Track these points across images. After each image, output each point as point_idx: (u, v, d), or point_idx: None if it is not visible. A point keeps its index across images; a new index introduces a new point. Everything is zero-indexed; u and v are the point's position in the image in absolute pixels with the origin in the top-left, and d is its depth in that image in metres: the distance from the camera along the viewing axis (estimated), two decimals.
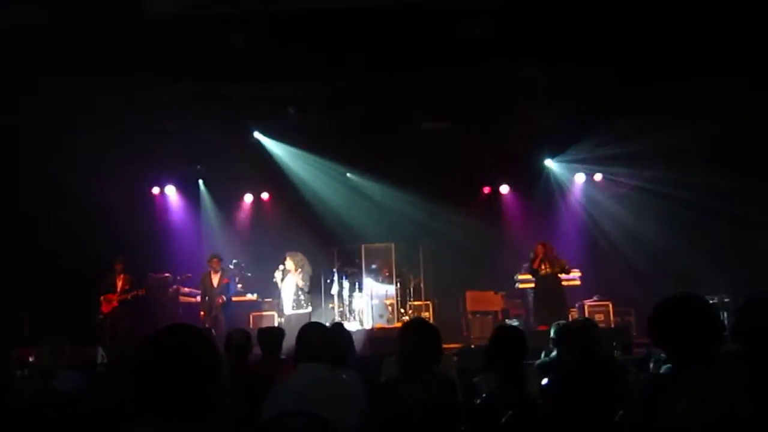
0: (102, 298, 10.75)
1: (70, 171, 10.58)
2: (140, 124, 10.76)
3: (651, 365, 5.21)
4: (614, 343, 6.85)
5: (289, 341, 4.98)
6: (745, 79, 8.82)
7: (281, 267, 10.14)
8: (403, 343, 3.86)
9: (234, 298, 11.40)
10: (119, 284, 10.76)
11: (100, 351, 8.41)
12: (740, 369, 3.21)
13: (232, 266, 11.82)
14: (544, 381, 4.39)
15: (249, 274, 12.36)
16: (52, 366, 5.18)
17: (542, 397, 4.03)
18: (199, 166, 13.24)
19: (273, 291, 12.52)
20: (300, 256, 10.15)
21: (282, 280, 10.10)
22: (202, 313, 11.01)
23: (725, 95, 9.20)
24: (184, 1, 7.84)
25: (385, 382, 3.85)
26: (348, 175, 13.27)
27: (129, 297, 10.65)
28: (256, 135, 12.09)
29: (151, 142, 11.31)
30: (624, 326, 10.80)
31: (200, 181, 13.54)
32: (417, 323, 4.14)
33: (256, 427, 3.54)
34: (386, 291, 11.89)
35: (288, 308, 9.99)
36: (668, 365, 3.49)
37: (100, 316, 10.68)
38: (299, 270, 9.97)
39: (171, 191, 13.62)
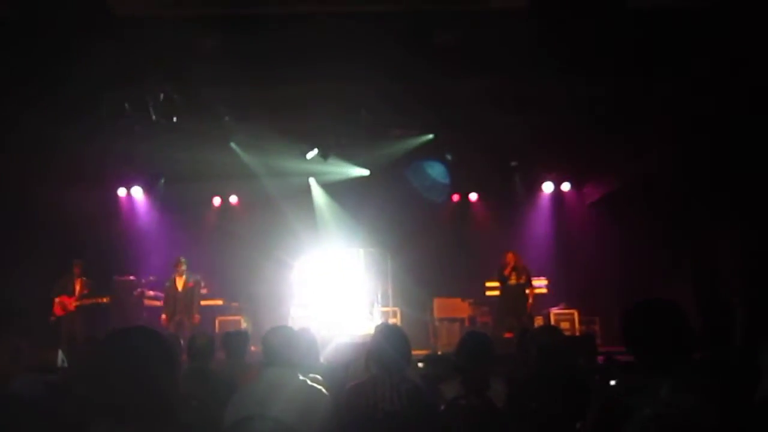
0: (56, 300, 10.54)
1: (33, 170, 10.42)
2: (106, 123, 10.63)
3: None
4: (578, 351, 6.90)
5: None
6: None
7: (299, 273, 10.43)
8: (376, 346, 3.86)
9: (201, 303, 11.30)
10: (77, 288, 10.58)
11: (61, 354, 8.25)
12: (704, 376, 3.26)
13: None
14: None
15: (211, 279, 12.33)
16: (10, 367, 5.06)
17: (505, 404, 4.06)
18: (163, 169, 13.10)
19: (239, 295, 12.48)
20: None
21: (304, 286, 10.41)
22: (164, 316, 10.86)
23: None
24: (154, 2, 7.80)
25: (354, 385, 3.83)
26: (308, 156, 12.84)
27: (88, 303, 10.47)
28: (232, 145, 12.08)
29: (117, 142, 11.16)
30: (589, 334, 10.91)
31: (161, 182, 13.39)
32: (389, 327, 4.15)
33: None
34: (354, 297, 11.84)
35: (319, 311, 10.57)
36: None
37: (52, 318, 10.48)
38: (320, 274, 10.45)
39: (137, 193, 13.46)
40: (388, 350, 3.81)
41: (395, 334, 3.94)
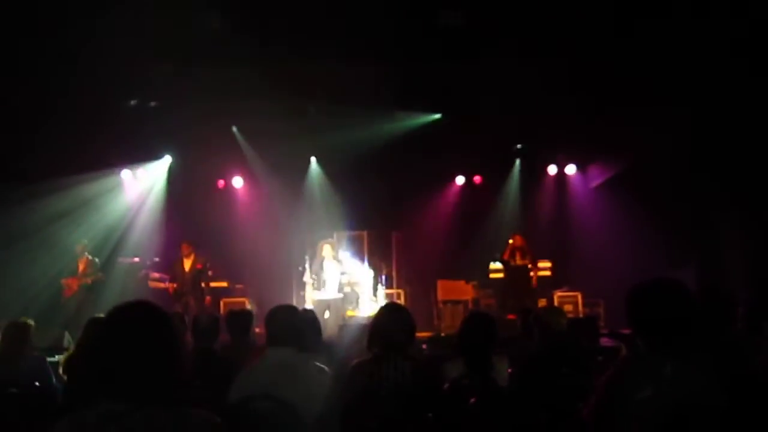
0: (63, 281, 10.68)
1: (35, 151, 10.46)
2: (111, 103, 10.66)
3: None
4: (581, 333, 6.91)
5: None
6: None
7: (315, 255, 10.59)
8: (380, 324, 3.86)
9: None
10: (80, 268, 10.66)
11: (67, 335, 8.32)
12: (707, 356, 3.25)
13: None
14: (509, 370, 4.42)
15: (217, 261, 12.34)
16: (17, 347, 5.10)
17: (508, 384, 4.07)
18: (168, 150, 13.09)
19: (244, 277, 12.50)
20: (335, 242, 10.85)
21: (320, 268, 10.46)
22: (171, 297, 10.90)
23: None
24: None
25: (358, 363, 3.84)
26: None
27: (90, 282, 10.56)
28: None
29: (121, 123, 11.17)
30: (592, 317, 10.91)
31: (169, 164, 13.35)
32: (394, 305, 4.17)
33: (221, 411, 3.51)
34: (358, 279, 11.87)
35: (334, 293, 10.43)
36: None
37: (62, 300, 10.60)
38: (335, 257, 10.56)
39: (141, 174, 13.43)
40: (392, 329, 3.81)
41: (399, 313, 3.95)
